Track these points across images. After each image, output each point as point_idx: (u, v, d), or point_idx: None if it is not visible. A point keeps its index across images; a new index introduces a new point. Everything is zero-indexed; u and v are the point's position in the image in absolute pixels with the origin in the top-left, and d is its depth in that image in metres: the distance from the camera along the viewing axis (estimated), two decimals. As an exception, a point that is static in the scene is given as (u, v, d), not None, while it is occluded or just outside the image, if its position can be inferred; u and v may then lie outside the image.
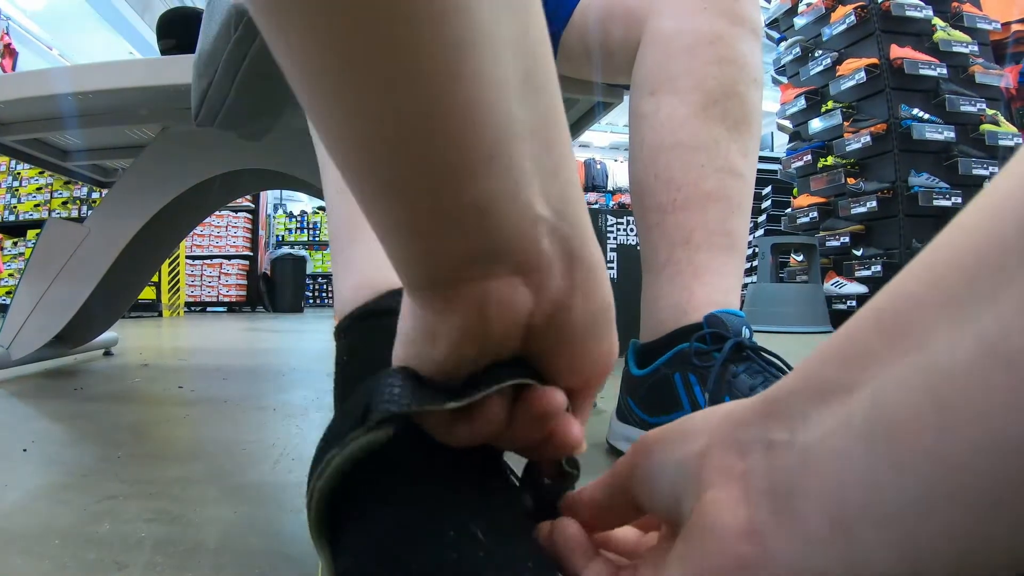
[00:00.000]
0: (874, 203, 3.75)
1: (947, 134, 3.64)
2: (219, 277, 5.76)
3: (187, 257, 5.38)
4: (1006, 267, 0.14)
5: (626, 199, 7.34)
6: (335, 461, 0.25)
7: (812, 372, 0.19)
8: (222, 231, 5.79)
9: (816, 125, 4.25)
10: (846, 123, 3.97)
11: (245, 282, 5.82)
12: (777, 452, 0.18)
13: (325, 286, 7.55)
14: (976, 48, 3.84)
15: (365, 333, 0.31)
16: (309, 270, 6.67)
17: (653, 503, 0.24)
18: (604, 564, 0.25)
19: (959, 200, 3.59)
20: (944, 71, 3.70)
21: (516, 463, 0.30)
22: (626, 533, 0.28)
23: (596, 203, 7.54)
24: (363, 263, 0.34)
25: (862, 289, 3.81)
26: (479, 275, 0.21)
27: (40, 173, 4.24)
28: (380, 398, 0.24)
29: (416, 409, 0.24)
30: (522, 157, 0.20)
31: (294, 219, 7.91)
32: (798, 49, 4.45)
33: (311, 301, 7.35)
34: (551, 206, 0.22)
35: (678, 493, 0.22)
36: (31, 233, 4.11)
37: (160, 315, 4.55)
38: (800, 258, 4.27)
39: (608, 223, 1.80)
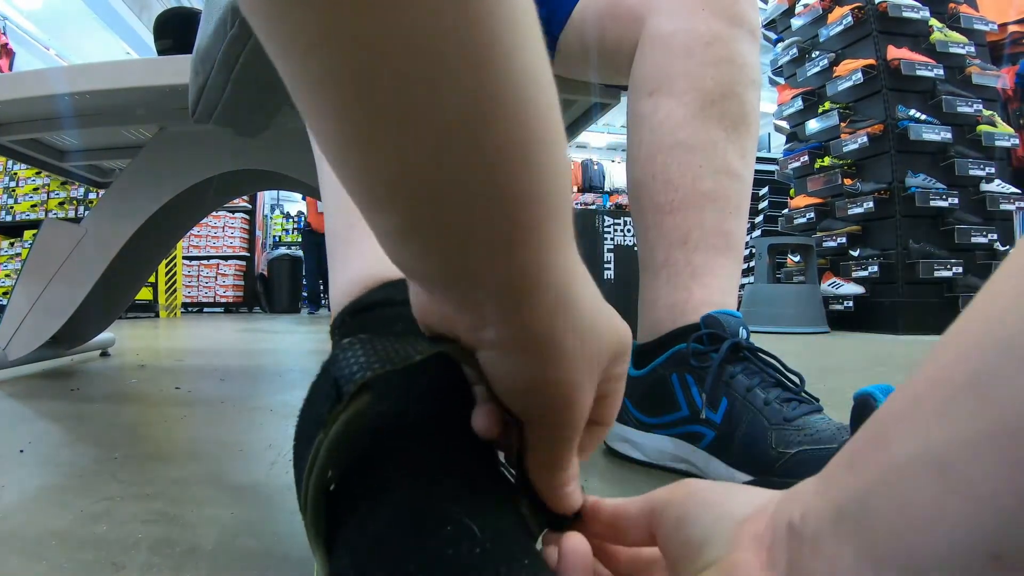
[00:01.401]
0: (871, 204, 3.76)
1: (944, 135, 3.64)
2: (216, 278, 5.75)
3: (184, 258, 5.38)
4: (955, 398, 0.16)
5: (623, 200, 7.35)
6: (324, 446, 0.24)
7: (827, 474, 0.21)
8: (219, 232, 5.78)
9: (813, 126, 4.26)
10: (843, 124, 3.97)
11: (242, 283, 5.82)
12: (793, 535, 0.20)
13: (322, 286, 7.54)
14: (973, 49, 3.84)
15: (358, 327, 0.31)
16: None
17: (674, 540, 0.26)
18: None
19: (955, 201, 3.60)
20: (941, 72, 3.70)
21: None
22: (619, 549, 0.30)
23: (593, 204, 7.54)
24: (357, 261, 0.34)
25: (859, 290, 3.82)
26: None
27: (37, 173, 4.23)
28: (348, 370, 0.24)
29: (382, 371, 0.24)
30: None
31: (291, 219, 7.91)
32: (795, 50, 4.45)
33: (308, 302, 7.34)
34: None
35: (705, 542, 0.24)
36: (28, 233, 4.09)
37: (157, 316, 4.54)
38: (797, 259, 4.28)
39: (605, 224, 1.81)
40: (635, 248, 0.75)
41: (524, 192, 0.21)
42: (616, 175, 8.04)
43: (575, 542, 0.27)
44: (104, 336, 1.72)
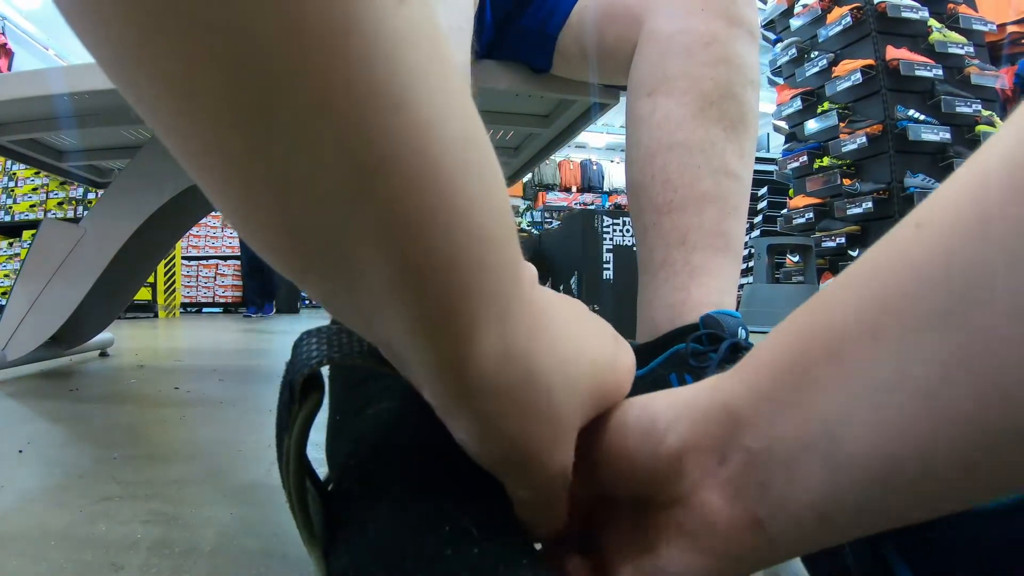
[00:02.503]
0: (870, 204, 3.76)
1: (943, 135, 3.65)
2: (215, 278, 5.75)
3: (183, 258, 5.38)
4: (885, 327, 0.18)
5: (622, 200, 7.35)
6: (292, 450, 0.24)
7: (768, 391, 0.22)
8: (218, 232, 5.78)
9: (812, 126, 4.26)
10: (842, 124, 3.98)
11: (241, 283, 5.82)
12: (758, 459, 0.22)
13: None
14: (972, 49, 3.85)
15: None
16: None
17: (623, 487, 0.26)
18: None
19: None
20: (940, 72, 3.70)
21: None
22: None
23: (592, 204, 7.54)
24: None
25: (858, 290, 3.82)
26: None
27: (36, 173, 4.23)
28: (297, 366, 0.24)
29: (325, 362, 0.24)
30: None
31: (291, 220, 7.91)
32: (794, 50, 4.46)
33: (307, 302, 7.33)
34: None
35: (656, 484, 0.24)
36: (27, 234, 4.09)
37: (156, 316, 4.54)
38: (796, 259, 4.28)
39: (604, 224, 1.81)
40: (634, 248, 0.75)
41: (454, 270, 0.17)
42: (615, 175, 8.04)
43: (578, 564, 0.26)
44: (103, 336, 1.72)
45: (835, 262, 4.08)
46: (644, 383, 0.69)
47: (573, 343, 0.23)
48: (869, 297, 0.19)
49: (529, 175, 4.35)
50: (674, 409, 0.25)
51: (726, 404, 0.23)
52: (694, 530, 0.23)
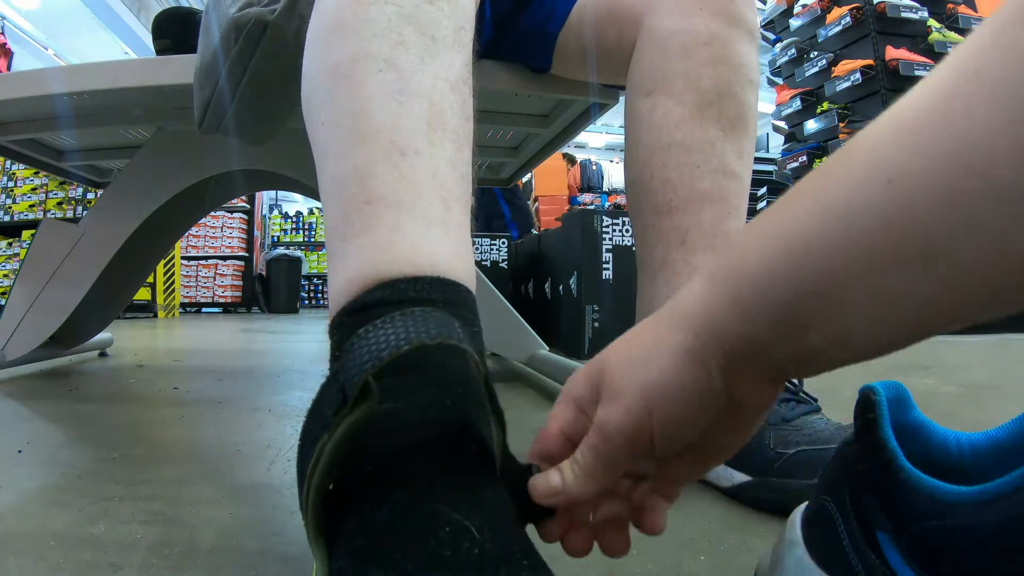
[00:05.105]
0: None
1: (942, 135, 3.64)
2: (214, 278, 5.75)
3: (182, 258, 5.38)
4: None
5: (622, 200, 7.35)
6: (327, 450, 0.24)
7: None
8: (217, 232, 5.78)
9: (811, 126, 4.26)
10: (841, 124, 3.98)
11: (240, 283, 5.82)
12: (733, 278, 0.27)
13: (320, 287, 7.55)
14: (971, 50, 3.85)
15: (356, 327, 0.31)
16: (304, 271, 6.66)
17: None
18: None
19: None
20: (939, 73, 3.70)
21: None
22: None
23: (592, 204, 7.54)
24: (355, 259, 0.34)
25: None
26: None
27: (35, 173, 4.22)
28: (352, 371, 0.24)
29: (380, 364, 0.24)
30: None
31: (289, 220, 7.90)
32: (794, 50, 4.46)
33: (306, 302, 7.34)
34: None
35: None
36: (26, 234, 4.09)
37: (155, 316, 4.54)
38: (796, 259, 4.28)
39: (604, 224, 1.80)
40: (634, 248, 0.75)
41: None
42: (614, 175, 8.03)
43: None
44: (102, 336, 1.72)
45: (834, 262, 4.07)
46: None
47: None
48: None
49: (528, 175, 4.34)
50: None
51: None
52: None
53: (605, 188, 8.11)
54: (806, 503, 0.35)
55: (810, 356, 0.24)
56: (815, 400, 0.61)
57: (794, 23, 4.48)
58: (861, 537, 0.29)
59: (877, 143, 0.21)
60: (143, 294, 4.44)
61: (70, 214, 4.20)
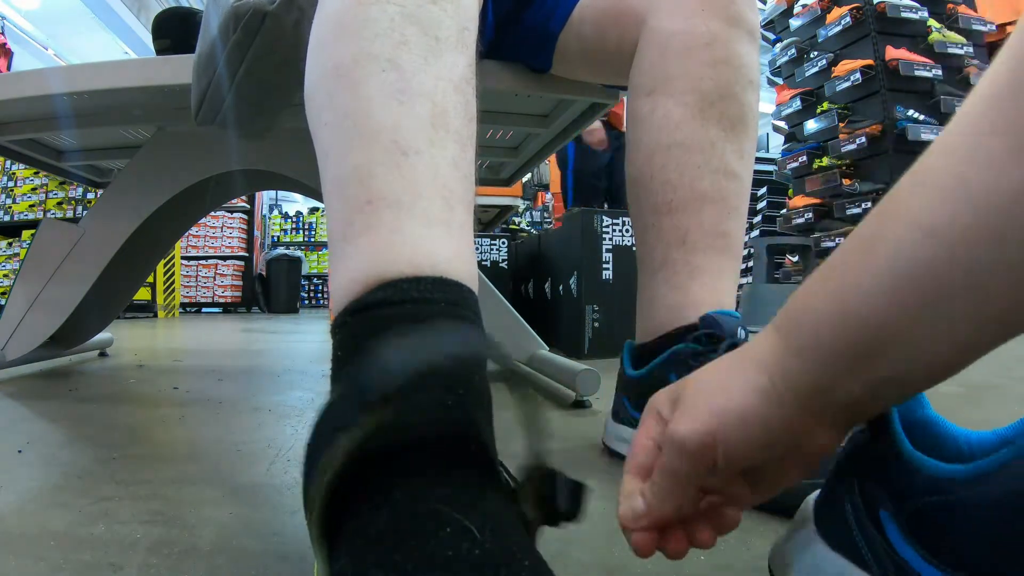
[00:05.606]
0: (869, 204, 3.76)
1: (942, 135, 3.64)
2: (214, 278, 5.75)
3: (182, 258, 5.37)
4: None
5: (622, 200, 7.33)
6: (342, 452, 0.24)
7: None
8: (217, 232, 5.78)
9: (811, 126, 4.26)
10: (841, 124, 3.98)
11: (240, 283, 5.82)
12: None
13: (320, 287, 7.55)
14: (971, 49, 3.84)
15: (358, 327, 0.31)
16: (304, 271, 6.66)
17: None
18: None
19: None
20: (939, 72, 3.70)
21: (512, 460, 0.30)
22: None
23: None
24: (357, 259, 0.34)
25: (857, 290, 3.82)
26: None
27: (35, 173, 4.22)
28: (372, 378, 0.24)
29: (406, 379, 0.24)
30: None
31: (289, 220, 7.90)
32: (794, 50, 4.45)
33: (306, 302, 7.34)
34: None
35: None
36: (26, 234, 4.09)
37: (155, 316, 4.54)
38: (796, 259, 4.28)
39: (604, 224, 1.81)
40: (634, 248, 0.75)
41: None
42: (615, 175, 8.02)
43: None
44: (102, 336, 1.72)
45: (834, 262, 4.07)
46: (644, 382, 0.69)
47: None
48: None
49: (528, 175, 4.35)
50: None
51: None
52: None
53: (605, 188, 8.10)
54: (819, 489, 0.36)
55: (868, 398, 0.27)
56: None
57: (794, 23, 4.48)
58: (866, 515, 0.31)
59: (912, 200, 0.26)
60: (143, 294, 4.44)
61: (70, 214, 4.19)
